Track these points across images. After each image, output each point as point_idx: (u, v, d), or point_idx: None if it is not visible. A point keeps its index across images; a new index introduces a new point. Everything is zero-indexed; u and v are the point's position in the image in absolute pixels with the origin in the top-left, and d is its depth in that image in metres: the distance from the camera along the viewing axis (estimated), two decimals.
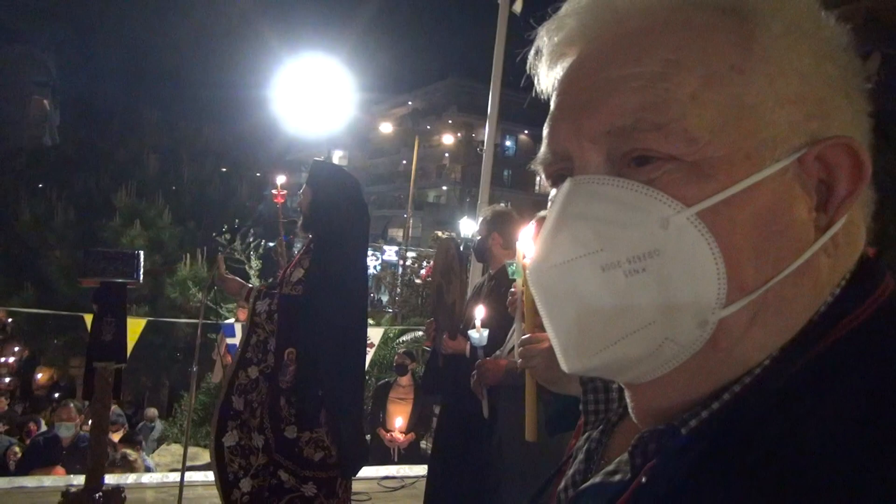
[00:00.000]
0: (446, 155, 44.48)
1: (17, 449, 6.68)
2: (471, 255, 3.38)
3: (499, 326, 2.60)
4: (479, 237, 3.30)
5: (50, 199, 11.10)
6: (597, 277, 0.50)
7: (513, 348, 2.59)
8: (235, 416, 3.11)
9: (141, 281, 3.48)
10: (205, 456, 7.59)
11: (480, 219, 3.35)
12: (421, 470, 4.79)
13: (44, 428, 8.08)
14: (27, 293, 10.76)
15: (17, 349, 13.29)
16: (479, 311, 2.31)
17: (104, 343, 3.36)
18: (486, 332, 2.31)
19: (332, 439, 3.11)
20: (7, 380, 12.34)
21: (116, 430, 7.51)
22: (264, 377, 3.12)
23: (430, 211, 43.11)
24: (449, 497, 3.17)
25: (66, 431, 5.08)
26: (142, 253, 3.62)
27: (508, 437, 2.57)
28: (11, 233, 11.08)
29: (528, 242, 1.34)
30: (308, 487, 3.06)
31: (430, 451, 5.90)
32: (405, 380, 5.82)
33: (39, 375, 12.80)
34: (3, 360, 13.02)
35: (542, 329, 1.49)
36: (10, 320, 11.62)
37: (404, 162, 44.02)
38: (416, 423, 5.61)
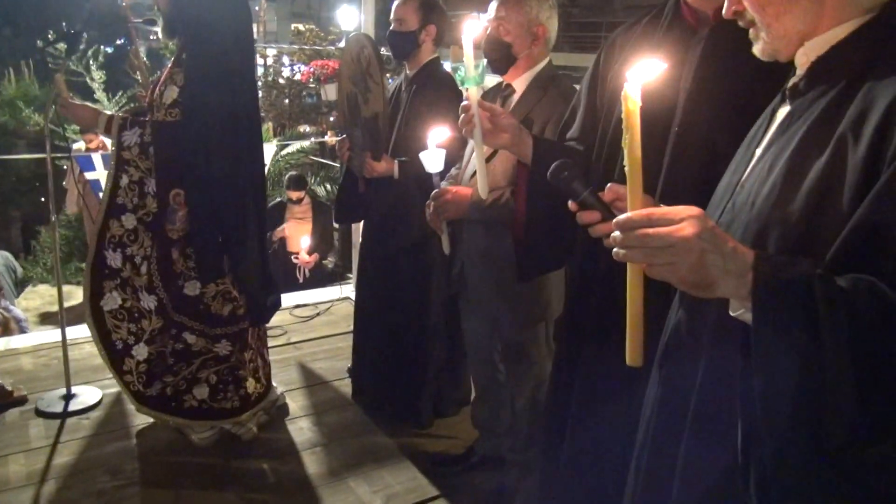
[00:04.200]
0: None
1: None
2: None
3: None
4: (403, 28, 2.66)
5: None
6: None
7: (474, 174, 2.16)
8: (113, 274, 2.57)
9: None
10: (79, 294, 6.94)
11: (402, 6, 2.67)
12: (333, 293, 4.49)
13: None
14: None
15: None
16: (437, 131, 1.83)
17: None
18: (442, 155, 1.87)
19: (240, 288, 2.67)
20: None
21: None
22: (145, 226, 2.55)
23: (283, 2, 39.28)
24: (385, 335, 2.88)
25: None
26: None
27: (471, 266, 2.24)
28: None
29: (642, 65, 0.84)
30: (221, 346, 2.66)
31: (336, 270, 5.61)
32: (301, 196, 5.31)
33: None
34: None
35: (652, 202, 1.04)
36: None
37: None
38: (319, 242, 5.22)
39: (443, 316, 2.79)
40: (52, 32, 7.03)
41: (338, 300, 4.37)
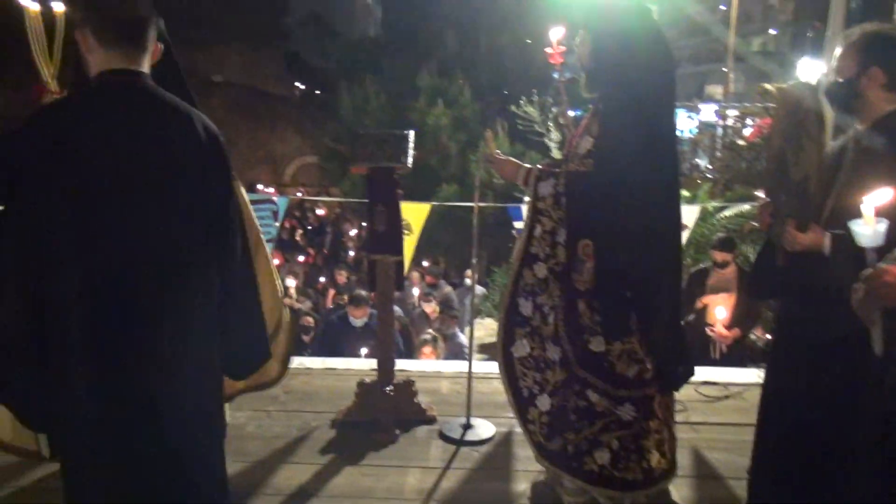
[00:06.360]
0: None
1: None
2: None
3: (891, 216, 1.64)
4: (841, 76, 2.21)
5: (365, 85, 11.73)
6: None
7: None
8: (524, 322, 2.63)
9: (409, 165, 3.10)
10: None
11: (842, 48, 2.23)
12: (749, 376, 3.95)
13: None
14: (355, 176, 11.71)
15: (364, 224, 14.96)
16: (877, 193, 1.43)
17: (378, 234, 3.11)
18: (883, 227, 1.44)
19: (647, 349, 2.49)
20: (351, 253, 13.98)
21: (428, 302, 7.81)
22: (554, 276, 2.56)
23: (753, 62, 37.91)
24: (796, 445, 2.36)
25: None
26: (412, 133, 3.24)
27: None
28: (336, 120, 12.04)
29: None
30: (625, 410, 2.49)
31: (760, 348, 4.97)
32: (727, 261, 4.84)
33: None
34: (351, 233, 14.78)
35: None
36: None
37: (722, 7, 38.71)
38: (743, 317, 4.68)
39: (879, 436, 2.16)
40: (507, 93, 7.99)
41: (754, 384, 3.82)
